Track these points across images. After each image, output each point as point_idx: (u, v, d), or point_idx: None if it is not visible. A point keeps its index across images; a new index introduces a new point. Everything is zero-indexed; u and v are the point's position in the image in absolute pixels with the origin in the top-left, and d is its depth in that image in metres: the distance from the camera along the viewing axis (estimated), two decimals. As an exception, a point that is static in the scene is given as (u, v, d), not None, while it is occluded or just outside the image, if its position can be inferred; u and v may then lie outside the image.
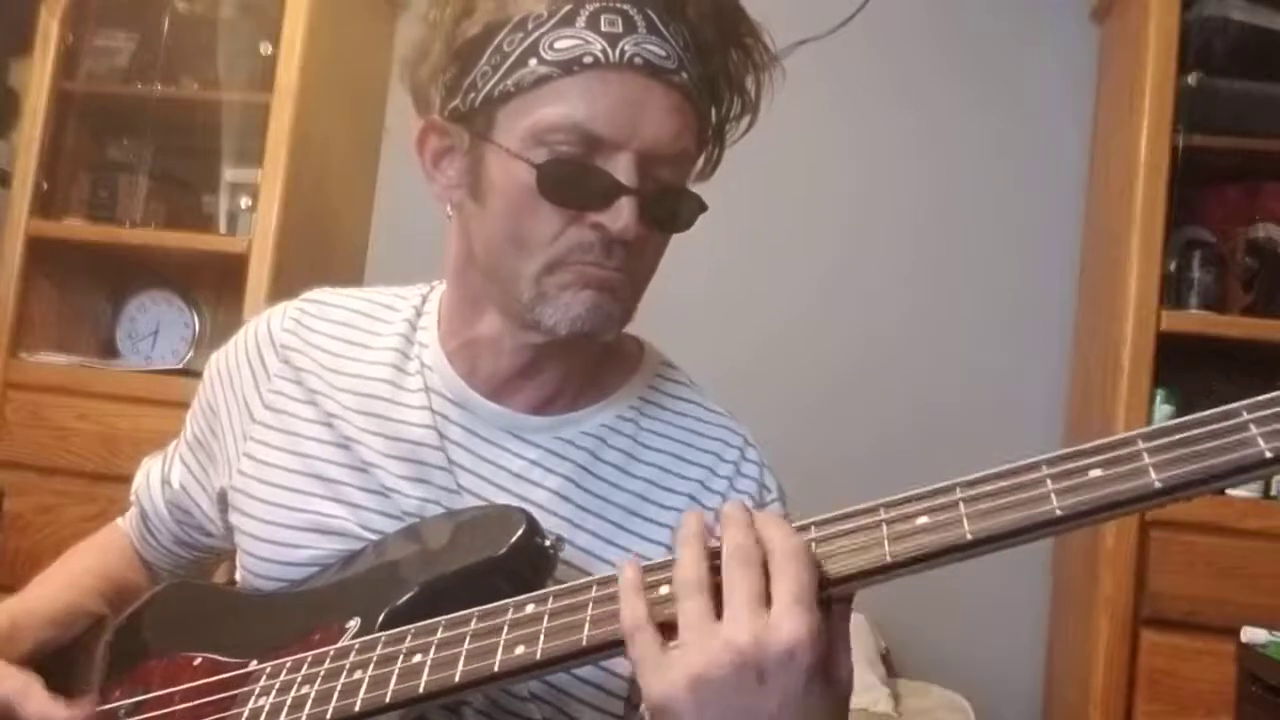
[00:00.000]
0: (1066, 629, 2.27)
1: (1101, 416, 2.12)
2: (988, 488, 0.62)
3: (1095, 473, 0.59)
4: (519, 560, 0.78)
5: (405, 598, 0.79)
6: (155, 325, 2.64)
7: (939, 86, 2.55)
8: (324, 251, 2.48)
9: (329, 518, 0.89)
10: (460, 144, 0.86)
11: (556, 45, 0.80)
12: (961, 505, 0.61)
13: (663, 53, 0.80)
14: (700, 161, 0.90)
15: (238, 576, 0.95)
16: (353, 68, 2.45)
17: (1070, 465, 0.60)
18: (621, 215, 0.80)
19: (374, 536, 0.87)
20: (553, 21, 0.80)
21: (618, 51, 0.79)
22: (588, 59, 0.79)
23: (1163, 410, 2.05)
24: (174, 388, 2.22)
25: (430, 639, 0.72)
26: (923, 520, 0.62)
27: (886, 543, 0.62)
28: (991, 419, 2.46)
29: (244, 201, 2.46)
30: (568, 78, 0.79)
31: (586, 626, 0.67)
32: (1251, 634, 1.65)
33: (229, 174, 2.53)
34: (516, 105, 0.81)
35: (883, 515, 0.64)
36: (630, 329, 0.98)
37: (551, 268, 0.82)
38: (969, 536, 0.60)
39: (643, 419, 0.94)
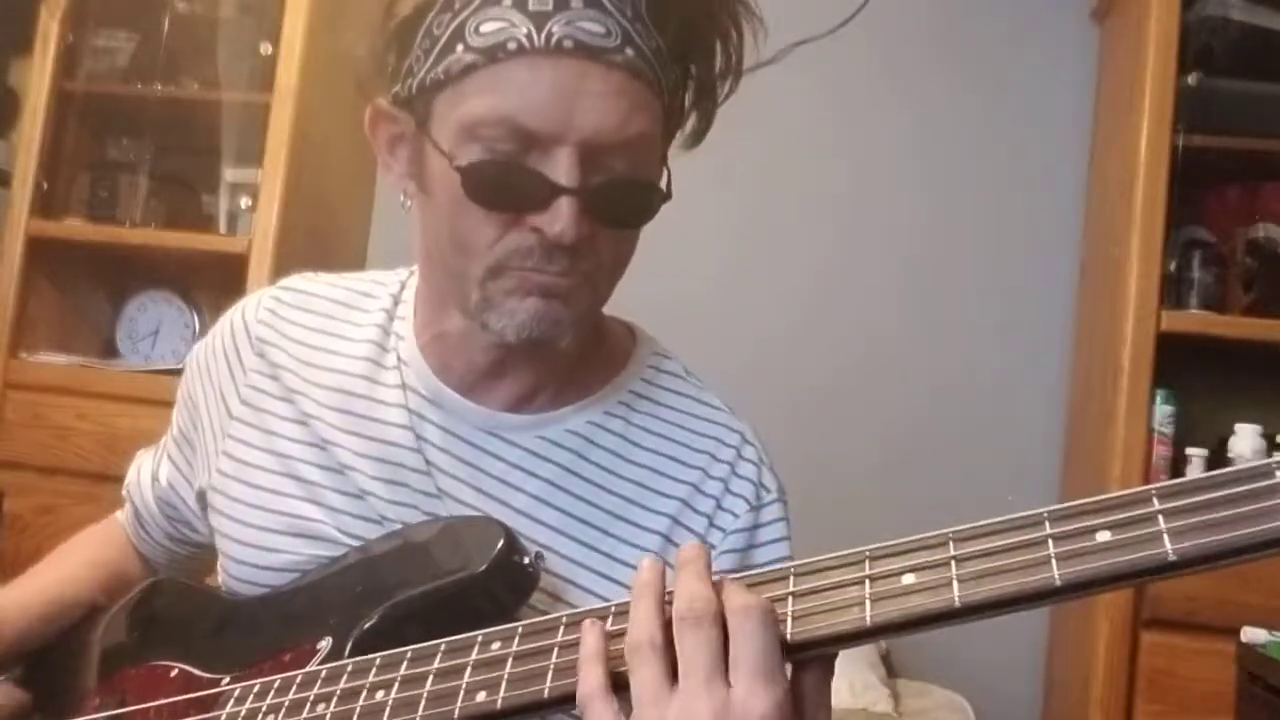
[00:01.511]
0: (1066, 629, 2.26)
1: (1101, 416, 2.12)
2: (983, 545, 0.56)
3: (1103, 536, 0.53)
4: (496, 580, 0.76)
5: (375, 620, 0.77)
6: (155, 325, 2.63)
7: (938, 86, 2.55)
8: (324, 251, 2.48)
9: (308, 521, 0.86)
10: (408, 130, 0.81)
11: (482, 29, 0.73)
12: (953, 565, 0.56)
13: (600, 29, 0.73)
14: (690, 123, 0.83)
15: (220, 579, 0.93)
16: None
17: (1076, 525, 0.54)
18: (559, 218, 0.73)
19: (352, 540, 0.84)
20: (478, 1, 0.74)
21: (544, 35, 0.72)
22: (511, 45, 0.72)
23: (1163, 410, 2.05)
24: (174, 388, 2.21)
25: (394, 674, 0.69)
26: (909, 579, 0.56)
27: (868, 603, 0.57)
28: (991, 419, 2.46)
29: (244, 201, 2.46)
30: (493, 66, 0.73)
31: (549, 676, 0.63)
32: (1251, 634, 1.64)
33: (229, 174, 2.53)
34: (449, 95, 0.75)
35: (867, 570, 0.58)
36: None
37: (494, 273, 0.77)
38: (957, 603, 0.55)
39: (634, 415, 0.88)
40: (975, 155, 2.53)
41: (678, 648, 0.58)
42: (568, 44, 0.72)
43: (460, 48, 0.74)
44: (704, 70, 0.82)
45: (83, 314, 2.61)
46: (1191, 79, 2.06)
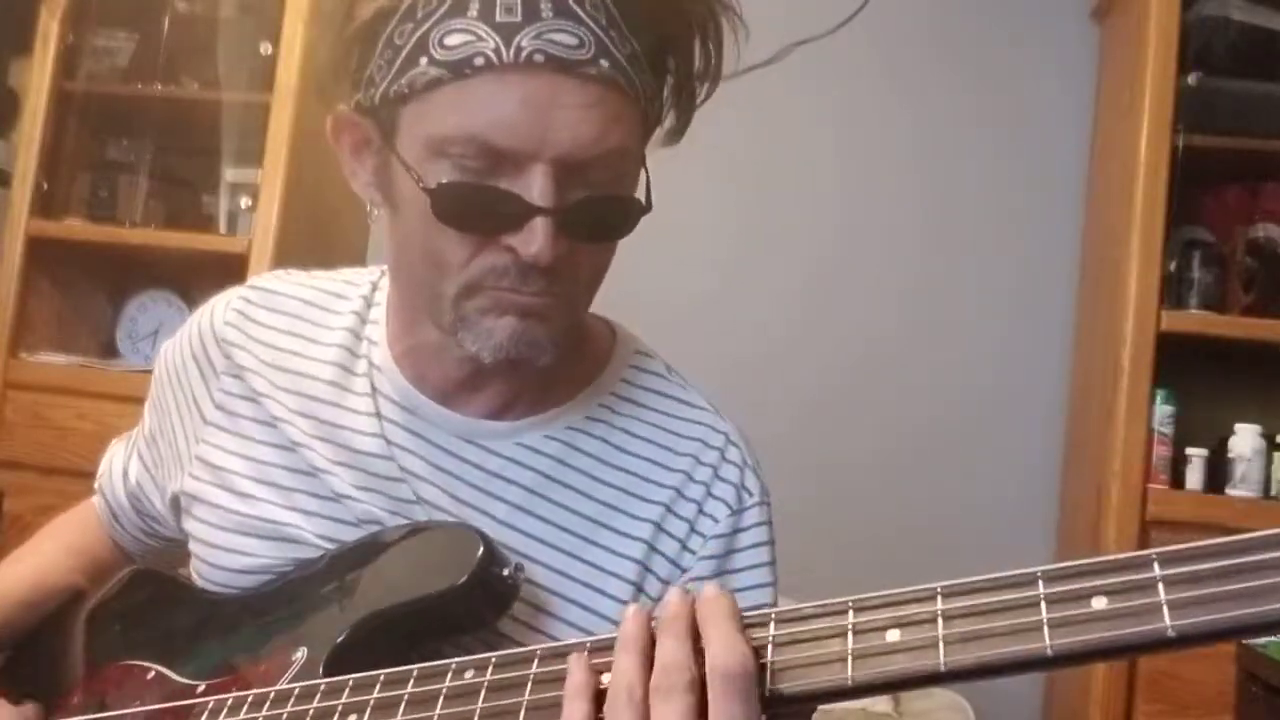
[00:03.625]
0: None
1: (1101, 416, 2.12)
2: (972, 602, 0.53)
3: (1099, 603, 0.50)
4: (476, 592, 0.74)
5: (350, 632, 0.76)
6: (155, 325, 2.63)
7: (939, 86, 2.54)
8: (324, 251, 2.48)
9: (283, 525, 0.84)
10: (374, 138, 0.77)
11: (446, 42, 0.69)
12: (940, 622, 0.53)
13: (573, 40, 0.69)
14: (669, 121, 0.80)
15: (193, 579, 0.91)
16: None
17: (1071, 587, 0.51)
18: (535, 239, 0.70)
19: (327, 544, 0.82)
20: (442, 10, 0.70)
21: (513, 50, 0.68)
22: (479, 60, 0.68)
23: (1163, 410, 2.05)
24: (174, 388, 2.21)
25: (367, 697, 0.67)
26: (893, 636, 0.54)
27: (850, 660, 0.54)
28: (991, 420, 2.46)
29: (244, 201, 2.46)
30: (460, 82, 0.69)
31: (521, 714, 0.61)
32: (1251, 634, 1.64)
33: (229, 174, 2.53)
34: (414, 109, 0.72)
35: (850, 620, 0.55)
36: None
37: (468, 292, 0.74)
38: (942, 667, 0.52)
39: (615, 418, 0.85)
40: (975, 155, 2.53)
41: (651, 711, 0.56)
42: (538, 58, 0.69)
43: (424, 60, 0.70)
44: (683, 69, 0.79)
45: (83, 314, 2.61)
46: (1191, 79, 2.06)
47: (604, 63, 0.71)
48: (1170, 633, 0.48)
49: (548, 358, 0.77)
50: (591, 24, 0.70)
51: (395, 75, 0.72)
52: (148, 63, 2.49)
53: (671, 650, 0.57)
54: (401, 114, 0.73)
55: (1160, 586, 0.49)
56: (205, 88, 2.49)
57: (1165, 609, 0.48)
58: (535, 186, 0.70)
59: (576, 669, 0.60)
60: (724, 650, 0.56)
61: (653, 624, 0.60)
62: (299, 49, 2.32)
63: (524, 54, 0.68)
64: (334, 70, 0.77)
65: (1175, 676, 1.95)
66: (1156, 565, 0.50)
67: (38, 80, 2.44)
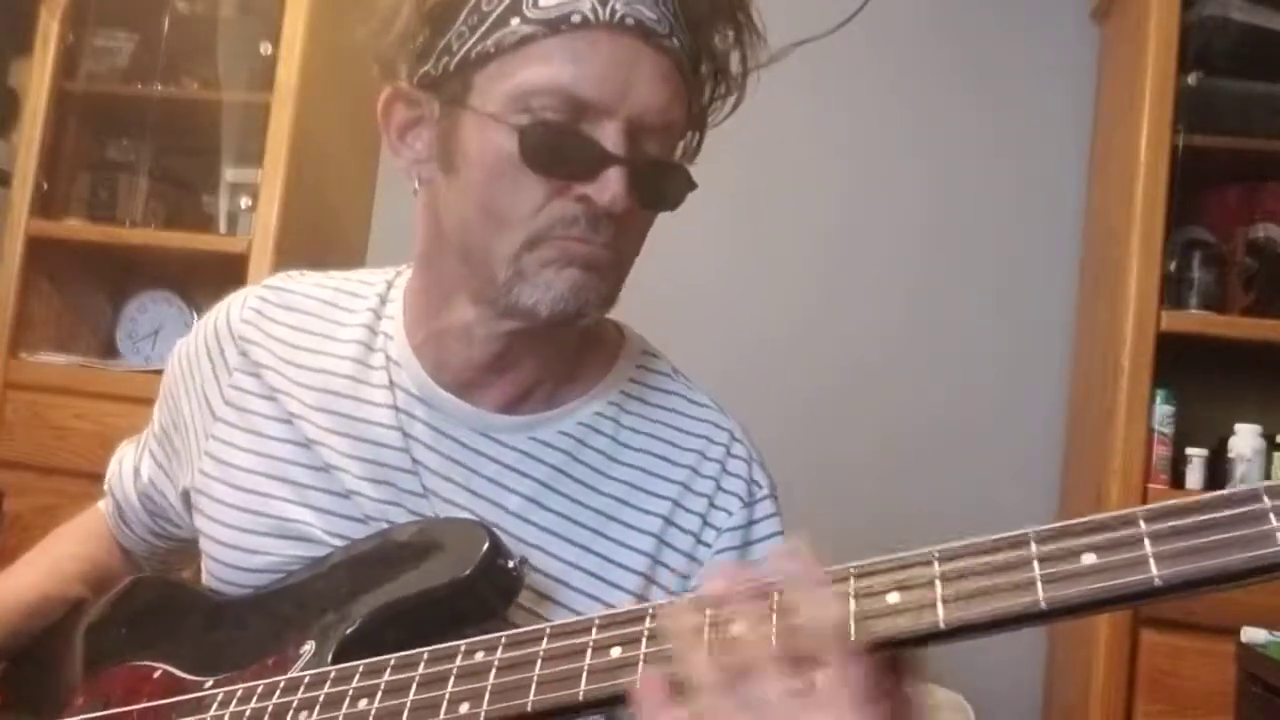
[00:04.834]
0: (1067, 629, 2.26)
1: (1101, 416, 2.12)
2: (968, 563, 0.55)
3: (1089, 559, 0.53)
4: (481, 584, 0.76)
5: (358, 624, 0.77)
6: (155, 325, 2.64)
7: (939, 86, 2.54)
8: (324, 251, 2.48)
9: (293, 522, 0.85)
10: (430, 113, 0.81)
11: (541, 3, 0.75)
12: (938, 583, 0.55)
13: (654, 15, 0.76)
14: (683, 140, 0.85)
15: (203, 578, 0.92)
16: (353, 68, 2.45)
17: (1062, 545, 0.54)
18: (609, 186, 0.74)
19: (337, 541, 0.84)
20: None
21: (608, 10, 0.74)
22: (575, 17, 0.74)
23: (1163, 410, 2.05)
24: (174, 388, 2.21)
25: (377, 681, 0.69)
26: (894, 598, 0.56)
27: (853, 623, 0.56)
28: (991, 420, 2.46)
29: (244, 201, 2.46)
30: (553, 37, 0.74)
31: (532, 689, 0.63)
32: (1251, 634, 1.65)
33: (229, 174, 2.53)
34: (496, 68, 0.76)
35: (852, 586, 0.57)
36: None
37: (532, 244, 0.77)
38: (942, 625, 0.54)
39: (623, 415, 0.88)
40: (975, 155, 2.53)
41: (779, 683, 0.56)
42: (629, 21, 0.75)
43: (516, 20, 0.75)
44: (708, 92, 0.84)
45: (83, 314, 2.61)
46: (1191, 79, 2.06)
47: (676, 41, 0.77)
48: (1157, 581, 0.51)
49: (597, 315, 0.81)
50: (665, 7, 0.77)
51: (480, 38, 0.76)
52: (148, 63, 2.50)
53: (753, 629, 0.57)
54: (477, 76, 0.77)
55: (1146, 541, 0.52)
56: (205, 88, 2.49)
57: (1152, 561, 0.51)
58: (610, 140, 0.75)
59: (685, 612, 0.59)
60: (818, 605, 0.56)
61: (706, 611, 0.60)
62: (299, 49, 2.33)
63: (617, 15, 0.74)
64: (402, 45, 0.80)
65: (1175, 676, 1.95)
66: (1142, 522, 0.53)
67: (38, 80, 2.44)
